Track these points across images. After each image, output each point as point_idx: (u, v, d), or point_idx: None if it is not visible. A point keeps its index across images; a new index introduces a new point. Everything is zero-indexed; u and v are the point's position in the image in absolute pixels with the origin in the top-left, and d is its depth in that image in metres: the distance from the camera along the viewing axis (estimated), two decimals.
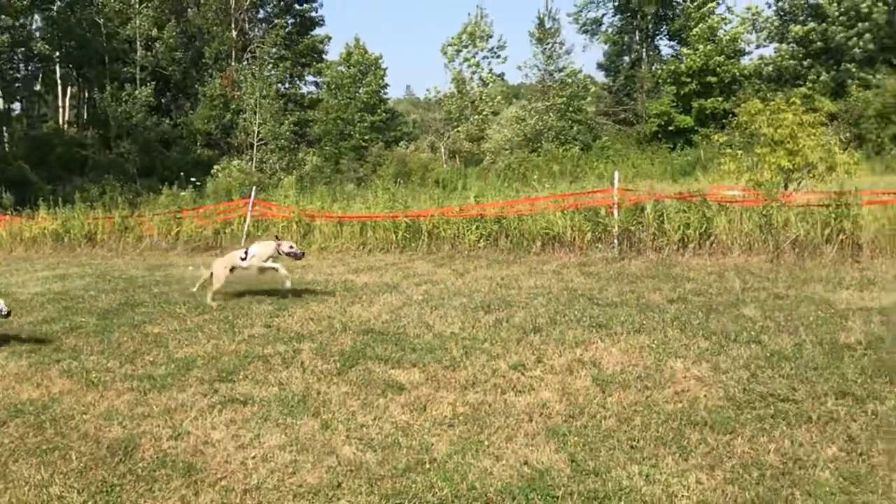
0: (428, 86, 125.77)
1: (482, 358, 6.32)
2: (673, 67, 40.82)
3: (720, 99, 37.73)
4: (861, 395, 5.10)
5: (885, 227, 9.81)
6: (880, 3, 35.10)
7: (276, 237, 9.93)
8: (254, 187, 18.00)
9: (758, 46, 41.96)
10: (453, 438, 4.78)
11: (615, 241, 11.51)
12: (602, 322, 7.24)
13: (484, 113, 42.66)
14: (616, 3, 45.18)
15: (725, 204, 11.14)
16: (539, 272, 10.39)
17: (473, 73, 43.77)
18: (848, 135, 31.26)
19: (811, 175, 12.19)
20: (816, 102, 12.64)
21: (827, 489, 3.88)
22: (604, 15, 46.51)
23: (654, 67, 44.81)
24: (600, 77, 48.17)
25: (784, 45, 39.12)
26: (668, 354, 6.15)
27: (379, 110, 44.83)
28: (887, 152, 29.50)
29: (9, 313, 7.14)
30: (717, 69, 38.57)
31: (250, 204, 15.74)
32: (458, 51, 43.59)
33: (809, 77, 36.97)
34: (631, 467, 4.24)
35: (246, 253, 9.25)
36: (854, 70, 36.00)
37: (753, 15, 41.13)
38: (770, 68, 39.26)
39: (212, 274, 9.27)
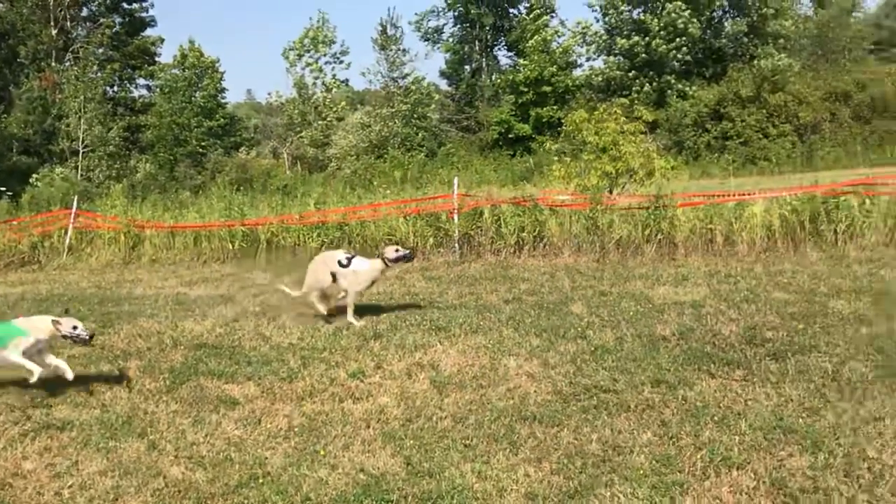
0: (270, 90, 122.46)
1: (321, 367, 6.25)
2: (511, 77, 42.40)
3: (555, 108, 39.62)
4: (673, 383, 5.51)
5: (697, 226, 10.71)
6: (695, 20, 38.32)
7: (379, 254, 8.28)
8: (76, 197, 16.74)
9: (588, 59, 44.52)
10: (288, 451, 4.68)
11: (456, 245, 11.78)
12: (441, 325, 7.37)
13: (328, 118, 42.27)
14: (456, 14, 46.32)
15: (556, 208, 11.71)
16: (381, 278, 10.38)
17: (316, 78, 43.30)
18: (668, 142, 33.92)
19: (633, 180, 13.10)
20: (636, 112, 13.58)
21: (641, 472, 4.15)
22: (444, 24, 47.59)
23: (493, 77, 46.35)
24: (444, 85, 49.23)
25: (612, 58, 41.74)
26: (503, 353, 6.36)
27: (217, 115, 43.25)
28: (703, 158, 32.21)
29: (92, 336, 5.96)
30: (552, 79, 40.49)
31: (72, 215, 14.63)
32: (300, 55, 42.96)
33: (634, 88, 39.65)
34: (464, 466, 4.34)
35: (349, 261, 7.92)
36: (673, 81, 39.04)
37: (583, 29, 43.57)
38: (600, 79, 41.76)
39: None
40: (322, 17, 43.77)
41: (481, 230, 11.71)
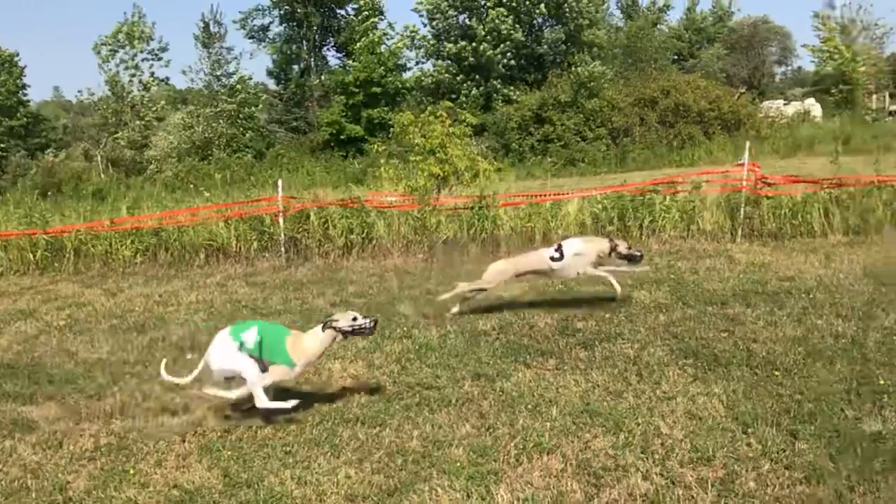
0: (80, 87, 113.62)
1: (133, 382, 5.89)
2: (341, 78, 42.13)
3: (386, 109, 39.85)
4: (492, 375, 5.73)
5: (518, 225, 11.20)
6: (517, 26, 39.99)
7: (609, 237, 7.92)
8: None
9: (417, 63, 45.13)
10: (94, 472, 4.39)
11: (282, 249, 11.52)
12: None
13: (147, 118, 39.88)
14: (282, 12, 45.33)
15: (385, 209, 11.80)
16: (202, 286, 10.00)
17: (133, 75, 40.69)
18: (496, 144, 35.15)
19: (460, 181, 13.47)
20: (461, 115, 13.97)
21: (459, 464, 4.28)
22: (271, 23, 46.40)
23: (322, 77, 45.82)
24: (272, 85, 47.98)
25: (440, 62, 42.62)
26: (328, 357, 6.29)
27: (18, 114, 39.54)
28: (528, 159, 33.64)
29: (375, 323, 5.26)
30: (382, 81, 40.69)
31: None
32: (114, 51, 40.19)
33: (463, 91, 40.72)
34: (284, 472, 4.26)
35: (560, 249, 7.47)
36: (499, 86, 40.51)
37: (411, 33, 44.18)
38: (429, 81, 42.50)
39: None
40: (138, 10, 41.28)
41: (308, 233, 11.54)
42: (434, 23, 42.79)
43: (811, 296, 7.49)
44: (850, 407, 4.77)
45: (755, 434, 4.46)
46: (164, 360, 5.33)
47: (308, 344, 5.09)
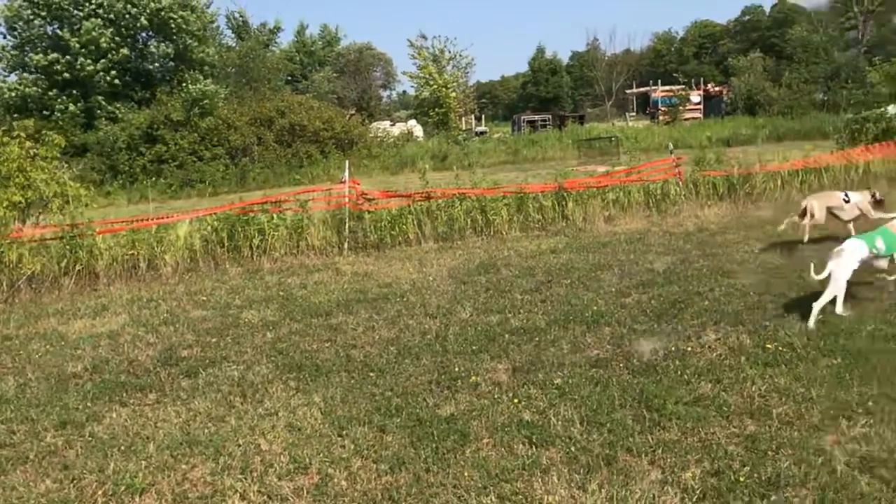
0: None
1: None
2: None
3: None
4: (81, 421, 5.23)
5: (119, 254, 10.38)
6: (118, 39, 37.25)
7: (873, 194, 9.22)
8: None
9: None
10: None
11: None
12: None
13: None
14: None
15: None
16: None
17: None
18: (102, 165, 32.32)
19: (49, 209, 11.99)
20: (48, 135, 12.40)
21: None
22: None
23: None
24: None
25: (27, 74, 37.79)
26: None
27: None
28: (140, 181, 31.53)
29: None
30: None
31: None
32: None
33: (57, 107, 36.66)
34: None
35: (847, 195, 9.20)
36: (103, 102, 37.29)
37: None
38: (12, 95, 37.41)
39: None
40: None
41: None
42: (15, 32, 37.87)
43: (405, 299, 8.23)
44: (431, 395, 5.33)
45: (349, 435, 4.74)
46: (813, 263, 6.17)
47: None
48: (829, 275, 6.14)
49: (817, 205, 9.21)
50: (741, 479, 3.82)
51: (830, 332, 5.84)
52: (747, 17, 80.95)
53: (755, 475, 3.85)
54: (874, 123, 17.27)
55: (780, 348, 5.61)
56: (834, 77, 46.50)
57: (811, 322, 6.01)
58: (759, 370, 5.24)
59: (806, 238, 9.19)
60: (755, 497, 3.68)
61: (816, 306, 6.04)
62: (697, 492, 3.77)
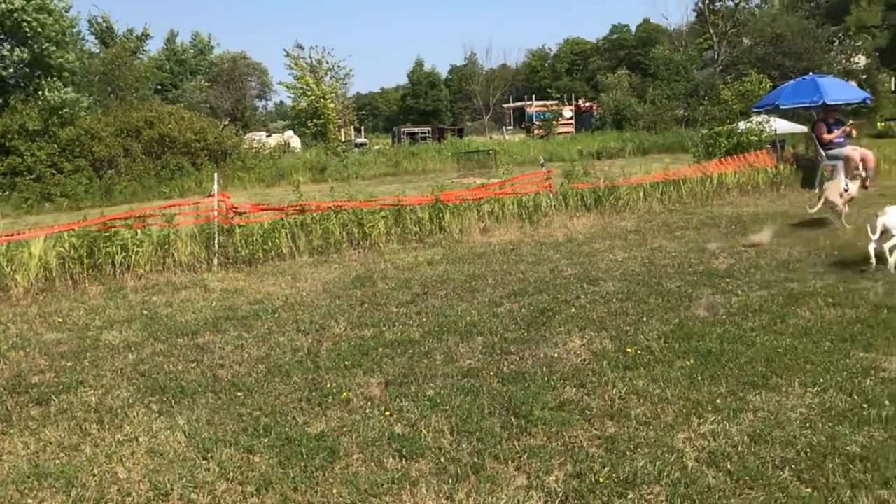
0: None
1: None
2: None
3: None
4: None
5: None
6: None
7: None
8: None
9: None
10: None
11: None
12: None
13: None
14: None
15: None
16: None
17: None
18: None
19: None
20: None
21: None
22: None
23: None
24: None
25: None
26: None
27: None
28: None
29: None
30: None
31: None
32: None
33: None
34: None
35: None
36: None
37: None
38: None
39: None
40: None
41: None
42: None
43: (277, 315, 8.05)
44: (301, 413, 5.22)
45: (214, 458, 4.57)
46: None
47: None
48: (884, 228, 7.70)
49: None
50: (601, 479, 3.97)
51: (685, 335, 6.20)
52: (615, 36, 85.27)
53: (614, 475, 4.02)
54: (727, 138, 18.56)
55: (640, 352, 5.91)
56: (693, 94, 49.73)
57: (891, 265, 7.65)
58: (619, 373, 5.49)
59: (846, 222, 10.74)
60: (613, 496, 3.83)
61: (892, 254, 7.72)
62: (560, 494, 3.89)
